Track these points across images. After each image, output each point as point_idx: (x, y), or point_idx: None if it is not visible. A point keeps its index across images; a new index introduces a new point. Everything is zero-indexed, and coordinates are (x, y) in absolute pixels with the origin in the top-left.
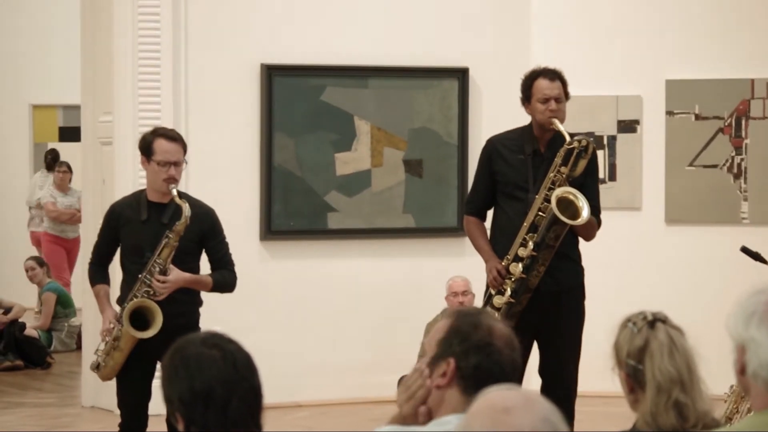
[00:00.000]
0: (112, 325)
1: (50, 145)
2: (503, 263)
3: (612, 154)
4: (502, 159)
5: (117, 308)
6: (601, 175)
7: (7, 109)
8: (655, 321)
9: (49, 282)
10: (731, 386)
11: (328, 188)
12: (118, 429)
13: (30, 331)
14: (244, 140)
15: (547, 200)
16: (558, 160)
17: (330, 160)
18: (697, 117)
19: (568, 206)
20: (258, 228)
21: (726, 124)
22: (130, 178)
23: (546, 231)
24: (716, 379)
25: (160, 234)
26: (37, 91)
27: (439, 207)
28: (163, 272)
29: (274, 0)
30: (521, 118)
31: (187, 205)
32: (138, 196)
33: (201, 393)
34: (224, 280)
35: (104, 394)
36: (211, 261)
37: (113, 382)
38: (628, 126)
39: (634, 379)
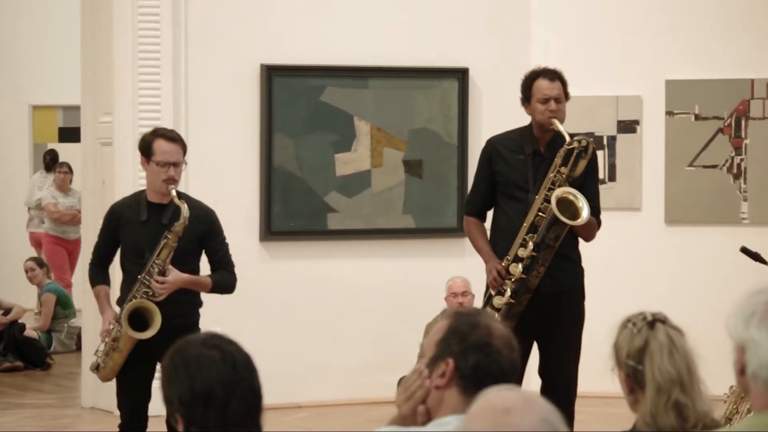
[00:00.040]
0: (111, 326)
1: (50, 146)
2: (503, 264)
3: (612, 155)
4: (502, 159)
5: (117, 309)
6: (600, 175)
7: (6, 110)
8: (654, 321)
9: (48, 283)
10: (731, 387)
11: (328, 189)
12: (117, 430)
13: (30, 332)
14: (243, 141)
15: (547, 200)
16: (558, 160)
17: (330, 160)
18: (697, 117)
19: (568, 207)
20: (258, 228)
21: (726, 124)
22: (130, 178)
23: (546, 231)
24: (716, 379)
25: (159, 235)
26: (36, 92)
27: (438, 207)
28: (162, 273)
29: (274, 0)
30: (521, 119)
31: (185, 205)
32: (138, 197)
33: (201, 394)
34: (224, 281)
35: (104, 395)
36: (210, 262)
37: (113, 383)
38: (628, 126)
39: (633, 380)
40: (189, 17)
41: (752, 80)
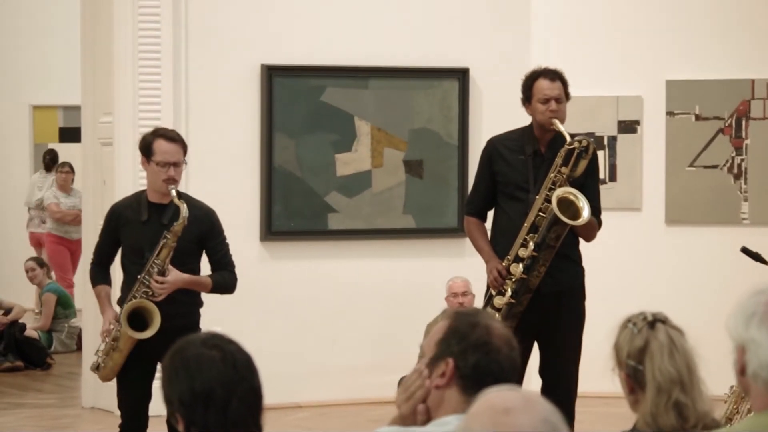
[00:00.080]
0: (111, 326)
1: (50, 146)
2: (504, 264)
3: (612, 155)
4: (502, 159)
5: (118, 309)
6: (601, 175)
7: (7, 110)
8: (655, 321)
9: (49, 283)
10: (731, 387)
11: (328, 189)
12: (118, 430)
13: (30, 332)
14: (244, 141)
15: (548, 200)
16: (558, 160)
17: (330, 160)
18: (698, 117)
19: (568, 207)
20: (258, 229)
21: (726, 124)
22: (131, 178)
23: (547, 231)
24: (716, 379)
25: (160, 235)
26: (37, 92)
27: (439, 208)
28: (162, 273)
29: (275, 0)
30: (521, 119)
31: (185, 205)
32: (138, 197)
33: (201, 394)
34: (224, 281)
35: (104, 395)
36: (211, 262)
37: (113, 383)
38: (629, 126)
39: (634, 380)
40: (189, 17)
41: (753, 80)
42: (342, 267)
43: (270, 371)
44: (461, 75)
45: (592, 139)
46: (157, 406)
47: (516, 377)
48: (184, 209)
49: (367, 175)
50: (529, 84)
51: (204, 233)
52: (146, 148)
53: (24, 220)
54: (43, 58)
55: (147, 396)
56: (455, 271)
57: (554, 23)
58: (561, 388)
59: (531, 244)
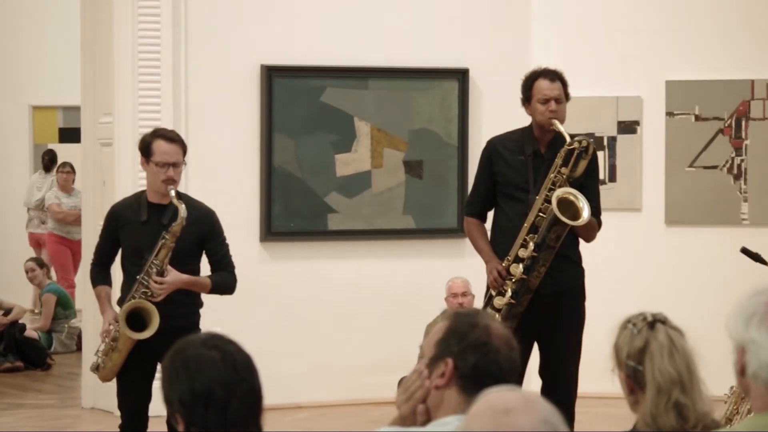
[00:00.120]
0: (111, 326)
1: (50, 146)
2: (504, 264)
3: (612, 155)
4: (502, 160)
5: (118, 309)
6: (601, 176)
7: (6, 110)
8: (654, 322)
9: (49, 283)
10: (731, 387)
11: (328, 189)
12: (118, 430)
13: (30, 333)
14: (244, 141)
15: (548, 201)
16: (558, 160)
17: (330, 161)
18: (697, 118)
19: (568, 207)
20: (258, 229)
21: (726, 125)
22: (131, 179)
23: (546, 232)
24: (716, 379)
25: (159, 235)
26: (36, 92)
27: (439, 208)
28: (161, 273)
29: (275, 1)
30: (521, 119)
31: (183, 206)
32: (138, 197)
33: (201, 394)
34: (223, 281)
35: (104, 395)
36: (210, 262)
37: (113, 384)
38: (628, 127)
39: (634, 380)
40: (189, 17)
41: (752, 81)
42: (342, 267)
43: (270, 372)
44: (461, 75)
45: (591, 140)
46: (157, 407)
47: (515, 378)
48: (182, 209)
49: (367, 175)
50: (528, 84)
51: (204, 234)
52: (145, 148)
53: (23, 220)
54: (43, 58)
55: (147, 396)
56: (455, 271)
57: (554, 23)
58: (561, 388)
59: (531, 245)
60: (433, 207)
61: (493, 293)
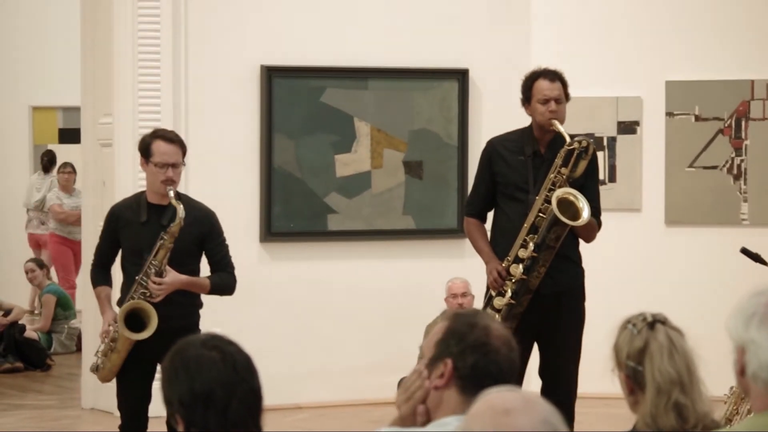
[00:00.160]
0: (110, 327)
1: (49, 147)
2: (503, 264)
3: (612, 156)
4: (502, 160)
5: (118, 310)
6: (600, 176)
7: (6, 111)
8: (654, 322)
9: (49, 284)
10: (731, 387)
11: (328, 190)
12: (118, 431)
13: (30, 333)
14: (244, 142)
15: (548, 201)
16: (558, 161)
17: (330, 161)
18: (697, 118)
19: (568, 207)
20: (258, 230)
21: (726, 125)
22: (131, 179)
23: (546, 232)
24: (716, 380)
25: (159, 236)
26: (36, 93)
27: (439, 208)
28: (159, 274)
29: (274, 1)
30: (521, 120)
31: (181, 206)
32: (138, 198)
33: (201, 395)
34: (223, 282)
35: (104, 395)
36: (210, 263)
37: (113, 384)
38: (628, 127)
39: (633, 381)
40: (189, 17)
41: (752, 81)
42: (341, 268)
43: (270, 372)
44: (461, 76)
45: (591, 140)
46: (156, 407)
47: (515, 378)
48: (180, 210)
49: (367, 176)
50: (528, 84)
51: (203, 234)
52: (145, 149)
53: (23, 221)
54: (43, 58)
55: (147, 397)
56: (455, 272)
57: (554, 23)
58: (561, 388)
59: (531, 245)
60: (433, 207)
61: (493, 294)
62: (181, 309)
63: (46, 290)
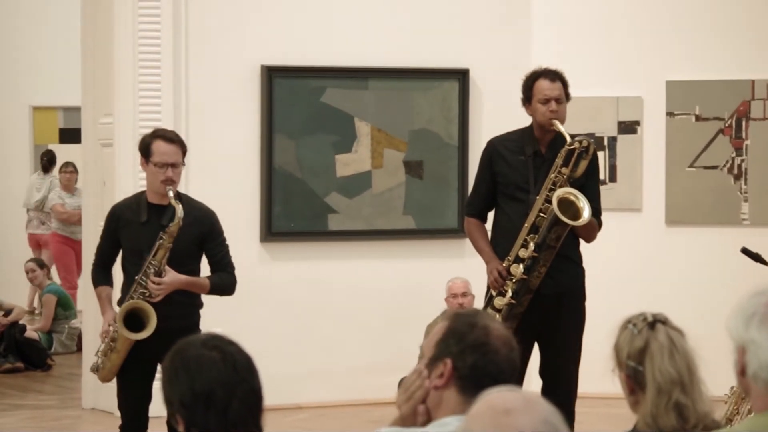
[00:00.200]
0: (110, 327)
1: (50, 147)
2: (504, 264)
3: (612, 155)
4: (502, 160)
5: (118, 310)
6: (601, 176)
7: (7, 111)
8: (655, 322)
9: (49, 284)
10: (732, 387)
11: (328, 190)
12: (118, 431)
13: (30, 333)
14: (244, 142)
15: (548, 201)
16: (559, 161)
17: (330, 161)
18: (698, 118)
19: (569, 207)
20: (258, 230)
21: (726, 125)
22: (131, 179)
23: (547, 232)
24: (717, 380)
25: (159, 236)
26: (37, 93)
27: (439, 208)
28: (159, 274)
29: (274, 1)
30: (522, 120)
31: (180, 206)
32: (138, 198)
33: (201, 395)
34: (222, 282)
35: (105, 395)
36: (210, 263)
37: (114, 384)
38: (629, 127)
39: (634, 381)
40: (189, 17)
41: (753, 81)
42: (342, 268)
43: (270, 372)
44: (461, 76)
45: (592, 140)
46: (157, 407)
47: (515, 378)
48: (179, 210)
49: (367, 175)
50: (529, 84)
51: (204, 234)
52: (145, 149)
53: (23, 221)
54: (43, 58)
55: (147, 397)
56: (455, 271)
57: (554, 23)
58: (561, 388)
59: (531, 245)
60: (433, 207)
61: (494, 293)
62: (182, 309)
63: (47, 290)
